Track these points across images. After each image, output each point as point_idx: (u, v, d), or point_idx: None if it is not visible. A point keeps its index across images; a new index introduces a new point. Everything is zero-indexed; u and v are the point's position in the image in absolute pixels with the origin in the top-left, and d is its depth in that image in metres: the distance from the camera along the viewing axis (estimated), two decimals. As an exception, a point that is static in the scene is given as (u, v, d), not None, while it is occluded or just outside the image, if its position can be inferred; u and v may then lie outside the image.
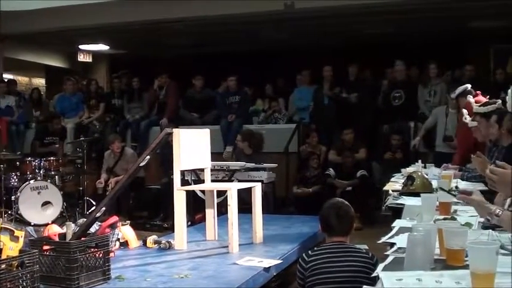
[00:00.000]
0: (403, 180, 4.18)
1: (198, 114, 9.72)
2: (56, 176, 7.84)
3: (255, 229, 4.60)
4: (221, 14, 8.69)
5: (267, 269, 3.73)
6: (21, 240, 2.97)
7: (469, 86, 6.19)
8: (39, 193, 7.27)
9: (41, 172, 7.66)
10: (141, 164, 4.14)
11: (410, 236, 1.95)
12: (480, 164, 3.48)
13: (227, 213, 4.29)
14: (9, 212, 7.25)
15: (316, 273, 3.30)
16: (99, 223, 4.18)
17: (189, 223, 5.34)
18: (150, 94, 10.11)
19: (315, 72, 9.51)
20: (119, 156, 8.36)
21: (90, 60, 12.49)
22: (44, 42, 11.32)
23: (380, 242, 2.45)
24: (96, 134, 9.76)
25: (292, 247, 4.39)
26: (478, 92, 6.03)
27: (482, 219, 2.59)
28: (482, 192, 2.67)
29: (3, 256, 2.86)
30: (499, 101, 4.65)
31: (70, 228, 3.54)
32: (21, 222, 6.88)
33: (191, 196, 5.74)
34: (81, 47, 11.78)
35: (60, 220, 6.99)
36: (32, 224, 6.88)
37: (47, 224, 5.57)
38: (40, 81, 14.65)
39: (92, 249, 3.40)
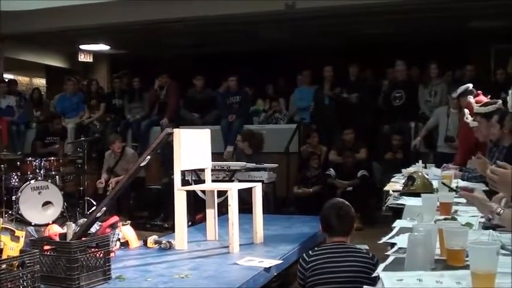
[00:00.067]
0: (403, 181, 4.17)
1: (198, 114, 9.73)
2: (57, 176, 7.84)
3: (256, 229, 4.60)
4: (221, 14, 8.68)
5: (267, 269, 3.73)
6: (22, 240, 2.97)
7: (470, 85, 6.19)
8: (39, 193, 7.27)
9: (42, 172, 7.66)
10: (142, 164, 4.14)
11: (411, 236, 1.95)
12: (480, 164, 3.48)
13: (228, 213, 4.29)
14: (10, 212, 7.26)
15: (316, 274, 3.30)
16: (100, 223, 4.18)
17: (190, 223, 5.33)
18: (150, 94, 10.12)
19: (316, 72, 9.51)
20: (120, 156, 8.36)
21: (91, 60, 12.49)
22: (44, 42, 11.32)
23: (380, 242, 2.45)
24: (96, 134, 9.76)
25: (293, 247, 4.39)
26: (479, 91, 6.03)
27: (483, 220, 2.59)
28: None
29: (4, 256, 2.86)
30: (500, 101, 4.66)
31: (71, 228, 3.54)
32: (22, 222, 6.89)
33: (192, 196, 5.73)
34: (82, 47, 11.78)
35: (60, 220, 7.00)
36: (33, 224, 6.90)
37: (47, 224, 5.57)
38: (41, 81, 14.66)
39: (93, 249, 3.40)
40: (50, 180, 7.53)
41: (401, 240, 2.22)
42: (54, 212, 7.30)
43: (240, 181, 6.21)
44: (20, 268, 2.88)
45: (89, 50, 12.10)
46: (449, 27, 9.73)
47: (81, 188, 8.20)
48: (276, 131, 9.01)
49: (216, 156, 6.20)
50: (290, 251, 4.27)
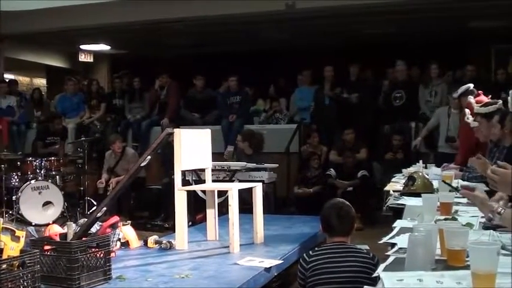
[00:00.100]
0: (404, 181, 4.17)
1: (199, 114, 9.73)
2: (57, 176, 7.84)
3: (256, 229, 4.60)
4: (222, 14, 8.69)
5: (267, 269, 3.73)
6: (22, 240, 2.97)
7: (471, 85, 6.19)
8: (40, 193, 7.27)
9: (42, 172, 7.66)
10: (142, 164, 4.14)
11: (411, 236, 1.95)
12: (481, 165, 3.48)
13: (228, 213, 4.29)
14: (10, 212, 7.26)
15: (317, 274, 3.30)
16: (100, 223, 4.18)
17: (190, 223, 5.33)
18: (151, 94, 10.12)
19: (316, 73, 9.51)
20: (120, 156, 8.36)
21: (91, 60, 12.49)
22: (45, 42, 11.32)
23: (381, 242, 2.45)
24: (97, 134, 9.76)
25: (293, 247, 4.39)
26: (479, 91, 6.03)
27: (483, 220, 2.59)
28: (483, 192, 2.67)
29: (4, 256, 2.86)
30: (500, 101, 4.65)
31: (71, 228, 3.54)
32: (22, 222, 6.89)
33: (192, 196, 5.73)
34: (82, 47, 11.79)
35: (61, 220, 7.00)
36: (33, 224, 6.90)
37: (48, 224, 5.57)
38: (41, 82, 14.66)
39: (93, 249, 3.40)
40: (50, 180, 7.53)
41: (402, 241, 2.22)
42: (54, 212, 7.30)
43: (240, 181, 6.21)
44: (21, 268, 2.88)
45: (90, 50, 12.11)
46: (450, 27, 9.73)
47: (82, 188, 8.20)
48: (276, 131, 9.02)
49: (216, 156, 6.20)
50: (290, 251, 4.27)
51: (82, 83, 11.24)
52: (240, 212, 4.31)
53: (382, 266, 1.94)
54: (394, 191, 4.07)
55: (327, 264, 3.31)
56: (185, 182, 5.36)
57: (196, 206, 6.10)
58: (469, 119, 5.12)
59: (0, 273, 2.75)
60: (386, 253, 2.17)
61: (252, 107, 10.00)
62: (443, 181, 3.55)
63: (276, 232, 5.05)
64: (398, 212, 3.35)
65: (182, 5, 8.72)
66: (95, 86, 10.74)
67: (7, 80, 10.90)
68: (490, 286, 1.57)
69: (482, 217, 2.64)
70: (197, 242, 4.63)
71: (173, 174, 4.55)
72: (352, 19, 9.24)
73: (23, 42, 11.11)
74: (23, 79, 14.68)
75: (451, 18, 9.08)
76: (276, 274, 3.91)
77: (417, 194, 3.49)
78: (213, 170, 5.26)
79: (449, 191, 3.40)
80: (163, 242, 4.47)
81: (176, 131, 4.42)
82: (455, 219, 2.64)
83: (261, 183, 4.79)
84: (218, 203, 4.94)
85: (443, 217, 2.72)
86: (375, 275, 1.96)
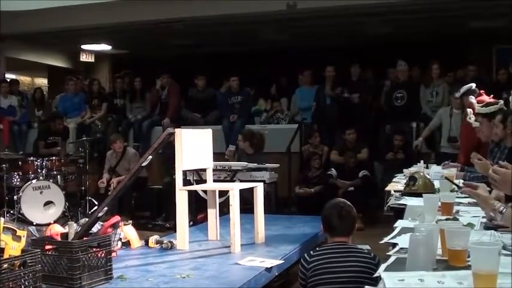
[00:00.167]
0: (405, 181, 4.17)
1: (200, 114, 9.73)
2: (58, 176, 7.85)
3: (257, 229, 4.60)
4: (223, 14, 8.69)
5: (268, 269, 3.73)
6: (24, 239, 2.98)
7: (473, 85, 6.18)
8: (41, 193, 7.28)
9: (43, 172, 7.66)
10: (143, 164, 4.15)
11: (413, 236, 1.95)
12: (482, 166, 3.48)
13: (229, 213, 4.29)
14: (12, 212, 7.26)
15: (318, 274, 3.30)
16: (101, 223, 4.18)
17: (191, 223, 5.34)
18: (152, 94, 10.12)
19: (317, 72, 9.50)
20: (121, 156, 8.37)
21: (93, 60, 12.50)
22: (46, 42, 11.33)
23: (382, 242, 2.45)
24: (98, 134, 9.78)
25: (294, 247, 4.39)
26: (482, 91, 6.02)
27: (484, 220, 2.59)
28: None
29: (6, 255, 2.86)
30: (501, 102, 4.65)
31: (72, 228, 3.54)
32: (24, 221, 6.90)
33: (193, 196, 5.74)
34: (84, 47, 11.79)
35: (62, 220, 7.01)
36: (34, 223, 6.90)
37: (49, 224, 5.58)
38: (42, 81, 14.67)
39: (94, 249, 3.40)
40: (51, 180, 7.53)
41: (403, 241, 2.22)
42: (55, 211, 7.30)
43: (241, 181, 6.21)
44: (22, 268, 2.88)
45: (91, 50, 12.11)
46: (451, 27, 9.73)
47: (83, 188, 8.21)
48: (277, 131, 9.02)
49: (217, 156, 6.20)
50: (291, 251, 4.28)
51: (83, 83, 11.25)
52: (241, 212, 4.31)
53: (383, 266, 1.94)
54: (395, 191, 4.07)
55: (328, 264, 3.31)
56: (186, 182, 5.36)
57: (198, 205, 6.11)
58: (471, 119, 5.11)
59: (2, 272, 2.76)
60: (388, 253, 2.17)
61: (253, 107, 10.00)
62: (445, 178, 3.55)
63: (277, 232, 5.05)
64: (399, 212, 3.35)
65: (183, 5, 8.73)
66: (96, 86, 10.75)
67: (8, 80, 10.92)
68: (491, 286, 1.57)
69: (483, 217, 2.64)
70: (198, 242, 4.64)
71: (174, 174, 4.55)
72: (353, 19, 9.23)
73: (25, 42, 11.12)
74: (24, 79, 14.70)
75: (452, 18, 9.08)
76: (277, 274, 3.91)
77: (418, 194, 3.50)
78: (214, 170, 5.26)
79: (451, 190, 3.39)
80: (165, 241, 4.47)
81: (177, 131, 4.42)
82: (457, 220, 2.64)
83: (262, 183, 4.80)
84: (219, 203, 4.94)
85: (444, 217, 2.72)
86: (376, 275, 1.95)
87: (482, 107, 4.73)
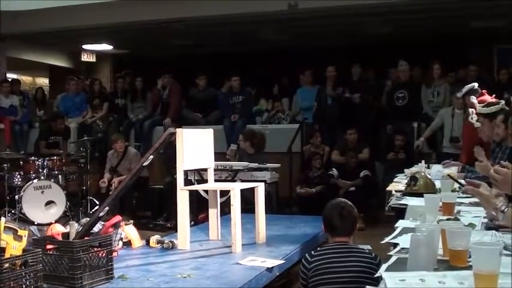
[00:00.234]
0: (406, 181, 4.17)
1: (201, 114, 9.74)
2: (60, 176, 7.85)
3: (258, 229, 4.60)
4: (223, 14, 8.69)
5: (270, 269, 3.73)
6: (25, 239, 2.98)
7: (475, 84, 6.17)
8: (42, 192, 7.28)
9: (45, 171, 7.67)
10: (145, 164, 4.14)
11: (414, 236, 1.95)
12: (482, 168, 3.48)
13: (230, 213, 4.29)
14: (13, 211, 7.26)
15: (319, 274, 3.30)
16: (103, 222, 4.18)
17: (192, 223, 5.33)
18: (153, 94, 10.13)
19: (318, 73, 9.50)
20: (122, 156, 8.37)
21: (94, 60, 12.52)
22: (47, 42, 11.34)
23: (383, 242, 2.45)
24: (99, 134, 9.78)
25: (295, 247, 4.39)
26: (484, 91, 6.02)
27: (485, 220, 2.59)
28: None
29: (7, 255, 2.87)
30: (503, 102, 4.65)
31: (73, 228, 3.55)
32: (25, 221, 6.90)
33: (194, 196, 5.74)
34: (85, 46, 11.81)
35: (63, 219, 7.00)
36: (36, 223, 6.91)
37: (50, 223, 5.59)
38: (44, 81, 14.69)
39: (95, 249, 3.40)
40: (52, 180, 7.54)
41: (404, 241, 2.22)
42: (57, 211, 7.31)
43: (242, 181, 6.21)
44: (23, 267, 2.88)
45: (92, 49, 12.13)
46: (452, 27, 9.73)
47: (84, 188, 8.21)
48: (278, 130, 9.02)
49: (218, 156, 6.20)
50: (292, 251, 4.27)
51: (84, 83, 11.25)
52: (242, 212, 4.30)
53: (384, 266, 1.94)
54: (396, 191, 4.07)
55: (329, 264, 3.31)
56: (187, 182, 5.36)
57: (199, 205, 6.11)
58: (473, 119, 5.11)
59: (3, 272, 2.76)
60: (389, 253, 2.17)
61: (254, 106, 10.00)
62: (448, 175, 3.54)
63: (278, 232, 5.05)
64: (400, 212, 3.35)
65: (184, 5, 8.73)
66: (97, 85, 10.76)
67: (10, 80, 10.92)
68: (492, 286, 1.57)
69: (484, 217, 2.64)
70: (199, 242, 4.63)
71: (175, 174, 4.55)
72: (354, 19, 9.24)
73: (26, 42, 11.13)
74: (25, 79, 14.72)
75: (452, 18, 9.08)
76: (278, 274, 3.90)
77: (419, 194, 3.50)
78: (215, 170, 5.26)
79: (452, 190, 3.39)
80: (166, 241, 4.47)
81: (178, 130, 4.42)
82: (458, 220, 2.64)
83: (263, 183, 4.79)
84: (220, 203, 4.94)
85: (445, 217, 2.72)
86: (377, 275, 1.95)
87: (483, 107, 4.72)
